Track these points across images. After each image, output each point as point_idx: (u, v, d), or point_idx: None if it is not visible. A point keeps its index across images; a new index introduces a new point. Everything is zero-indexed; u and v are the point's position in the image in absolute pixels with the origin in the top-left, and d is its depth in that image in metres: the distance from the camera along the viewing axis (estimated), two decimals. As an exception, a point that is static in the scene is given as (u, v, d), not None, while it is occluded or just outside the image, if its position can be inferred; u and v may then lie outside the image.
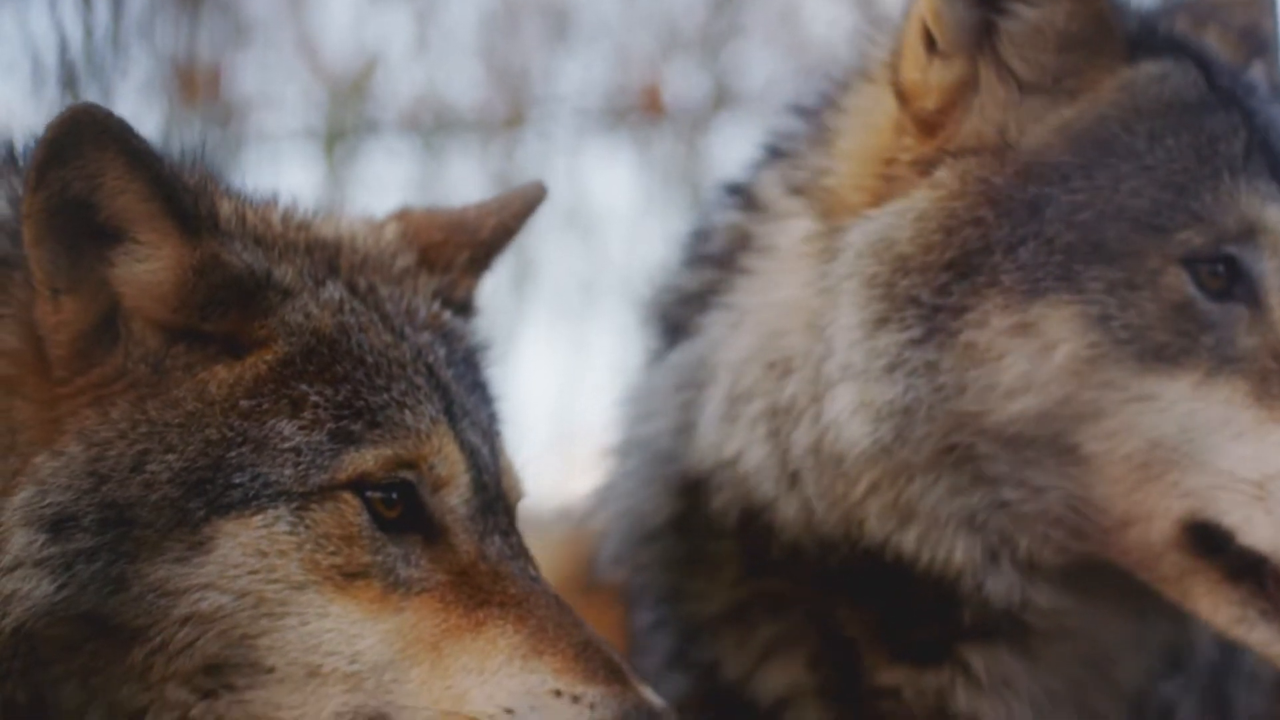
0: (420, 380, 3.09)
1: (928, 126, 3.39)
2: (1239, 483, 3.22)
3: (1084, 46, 3.35)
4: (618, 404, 3.85)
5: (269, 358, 3.01)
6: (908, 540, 3.33)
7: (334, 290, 3.13)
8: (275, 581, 2.92)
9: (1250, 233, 3.29)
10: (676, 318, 3.72)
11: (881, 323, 3.29)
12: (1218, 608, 3.30)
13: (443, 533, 3.02)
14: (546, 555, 4.44)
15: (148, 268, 2.99)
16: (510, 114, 10.53)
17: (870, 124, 3.46)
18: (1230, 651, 3.68)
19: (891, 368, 3.27)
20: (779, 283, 3.49)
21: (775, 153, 3.67)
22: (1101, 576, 3.40)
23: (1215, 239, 3.28)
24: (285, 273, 3.09)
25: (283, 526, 2.93)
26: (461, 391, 3.17)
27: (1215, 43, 3.57)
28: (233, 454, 2.94)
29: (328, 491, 2.95)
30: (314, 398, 2.99)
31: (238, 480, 2.93)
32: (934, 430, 3.27)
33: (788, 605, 3.55)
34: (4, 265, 2.99)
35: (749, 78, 10.65)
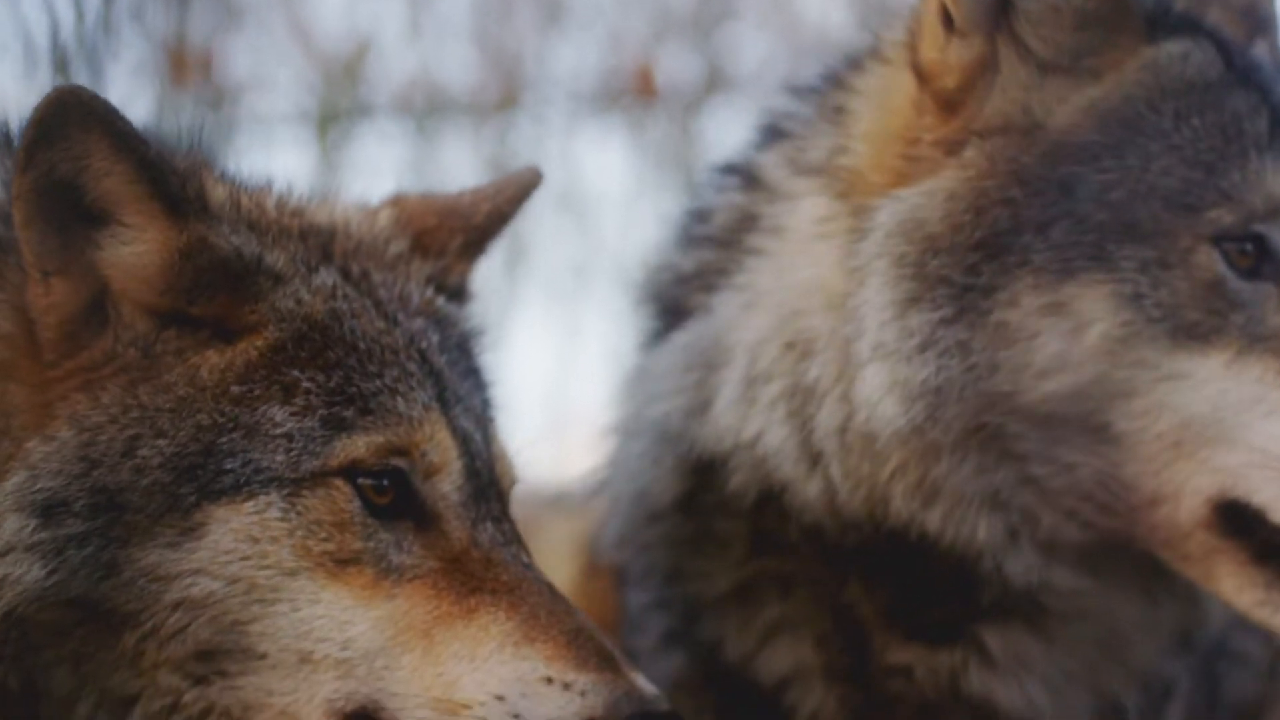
0: (413, 367, 3.09)
1: (949, 105, 3.39)
2: (1270, 460, 3.23)
3: (1102, 25, 3.36)
4: (619, 385, 3.85)
5: (260, 343, 3.01)
6: (932, 519, 3.34)
7: (327, 276, 3.12)
8: (267, 568, 2.92)
9: (1277, 211, 3.30)
10: (674, 298, 3.72)
11: (912, 302, 3.29)
12: (1242, 590, 3.31)
13: (435, 520, 3.02)
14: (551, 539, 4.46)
15: (133, 250, 2.99)
16: (503, 97, 10.52)
17: (888, 105, 3.46)
18: (1223, 632, 3.70)
19: (923, 347, 3.27)
20: (794, 264, 3.48)
21: (776, 133, 3.67)
22: (1118, 559, 3.41)
23: (1245, 218, 3.29)
24: (277, 258, 3.09)
25: (274, 513, 2.93)
26: (454, 378, 3.17)
27: (1219, 22, 3.58)
28: (224, 440, 2.94)
29: (319, 478, 2.95)
30: (306, 384, 2.99)
31: (229, 466, 2.93)
32: (965, 410, 3.28)
33: (795, 585, 3.56)
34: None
35: (742, 60, 10.64)
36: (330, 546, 2.93)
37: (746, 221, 3.62)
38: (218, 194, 3.11)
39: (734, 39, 10.60)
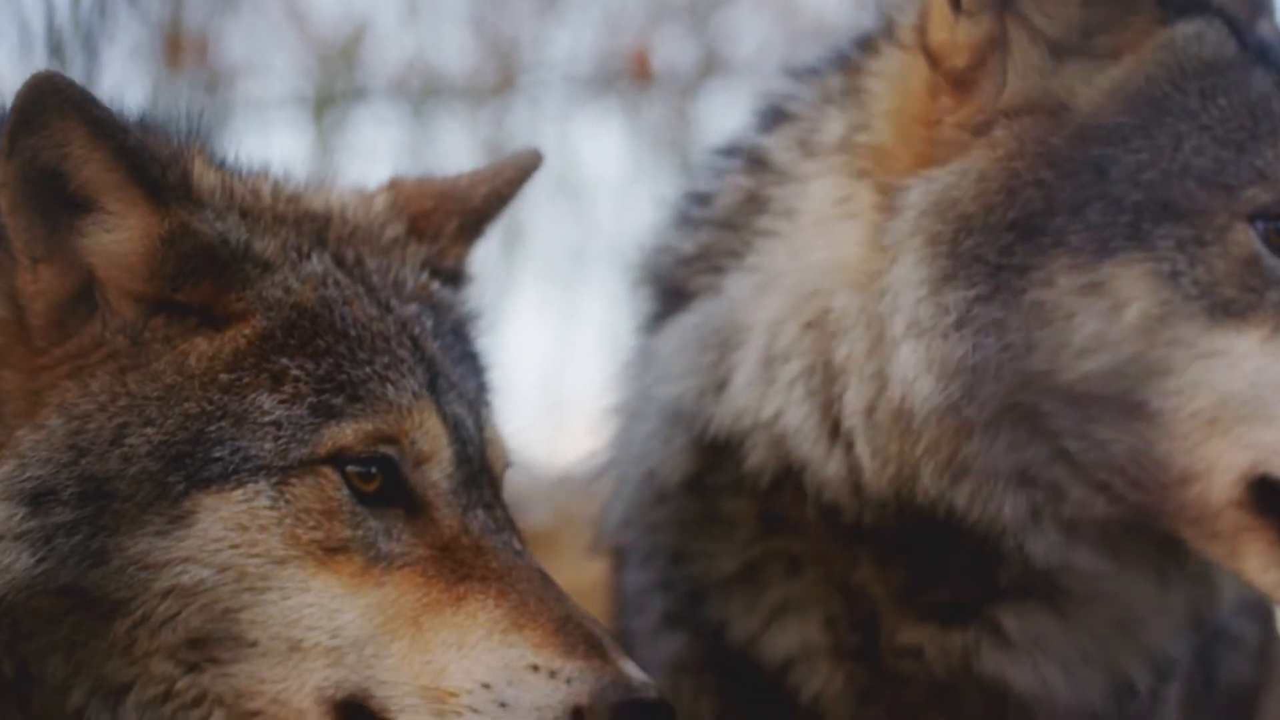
0: (404, 353, 3.08)
1: (963, 85, 3.39)
2: None
3: (1110, 3, 3.37)
4: (621, 366, 3.84)
5: (249, 331, 3.00)
6: (960, 496, 3.33)
7: (318, 263, 3.11)
8: (256, 556, 2.91)
9: None
10: (675, 280, 3.71)
11: (947, 279, 3.29)
12: (1267, 569, 3.30)
13: (424, 507, 3.01)
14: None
15: (115, 237, 2.98)
16: (500, 80, 10.51)
17: (905, 88, 3.45)
18: (1219, 615, 3.71)
19: (959, 324, 3.27)
20: (810, 244, 3.47)
21: (780, 116, 3.66)
22: (1135, 540, 3.40)
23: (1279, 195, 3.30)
24: (267, 245, 3.08)
25: (263, 501, 2.92)
26: (448, 363, 3.16)
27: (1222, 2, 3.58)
28: (212, 428, 2.93)
29: (308, 466, 2.94)
30: (295, 371, 2.98)
31: (217, 454, 2.92)
32: (1001, 388, 3.27)
33: (804, 565, 3.55)
34: None
35: (738, 44, 10.63)
36: (319, 535, 2.92)
37: (754, 204, 3.61)
38: (207, 180, 3.09)
39: (730, 22, 10.60)
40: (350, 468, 2.97)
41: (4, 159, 2.90)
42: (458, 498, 3.03)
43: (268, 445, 2.93)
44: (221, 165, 3.22)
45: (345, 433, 2.96)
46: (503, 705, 2.86)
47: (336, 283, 3.10)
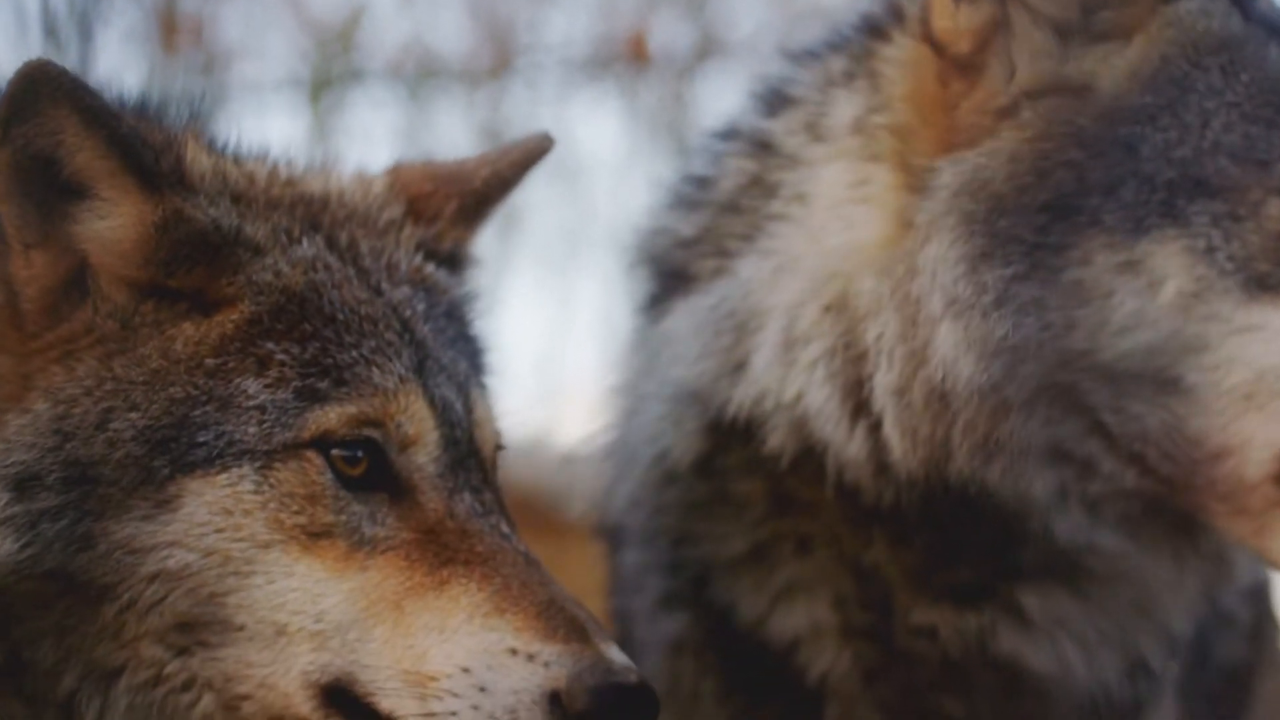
0: (392, 336, 3.07)
1: (970, 69, 3.40)
2: None
3: None
4: (624, 347, 3.85)
5: (236, 316, 3.00)
6: (992, 474, 3.33)
7: (309, 247, 3.11)
8: (241, 540, 2.91)
9: None
10: (675, 262, 3.71)
11: (984, 258, 3.29)
12: None
13: (410, 491, 3.00)
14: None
15: (109, 224, 2.99)
16: (496, 63, 10.51)
17: (919, 74, 3.45)
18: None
19: (999, 303, 3.27)
20: (827, 228, 3.47)
21: (783, 100, 3.66)
22: (1154, 520, 3.42)
23: None
24: (258, 230, 3.08)
25: (247, 485, 2.92)
26: (439, 345, 3.15)
27: None
28: (198, 412, 2.93)
29: (292, 450, 2.94)
30: (280, 356, 2.97)
31: (202, 439, 2.92)
32: (1041, 368, 3.28)
33: (815, 546, 3.56)
34: None
35: (735, 26, 10.63)
36: (302, 519, 2.92)
37: (760, 188, 3.62)
38: (200, 165, 3.09)
39: (727, 5, 10.60)
40: (335, 452, 2.96)
41: None
42: (444, 481, 3.02)
43: (252, 429, 2.93)
44: (218, 149, 3.22)
45: (329, 416, 2.96)
46: (482, 689, 2.85)
47: (326, 266, 3.10)
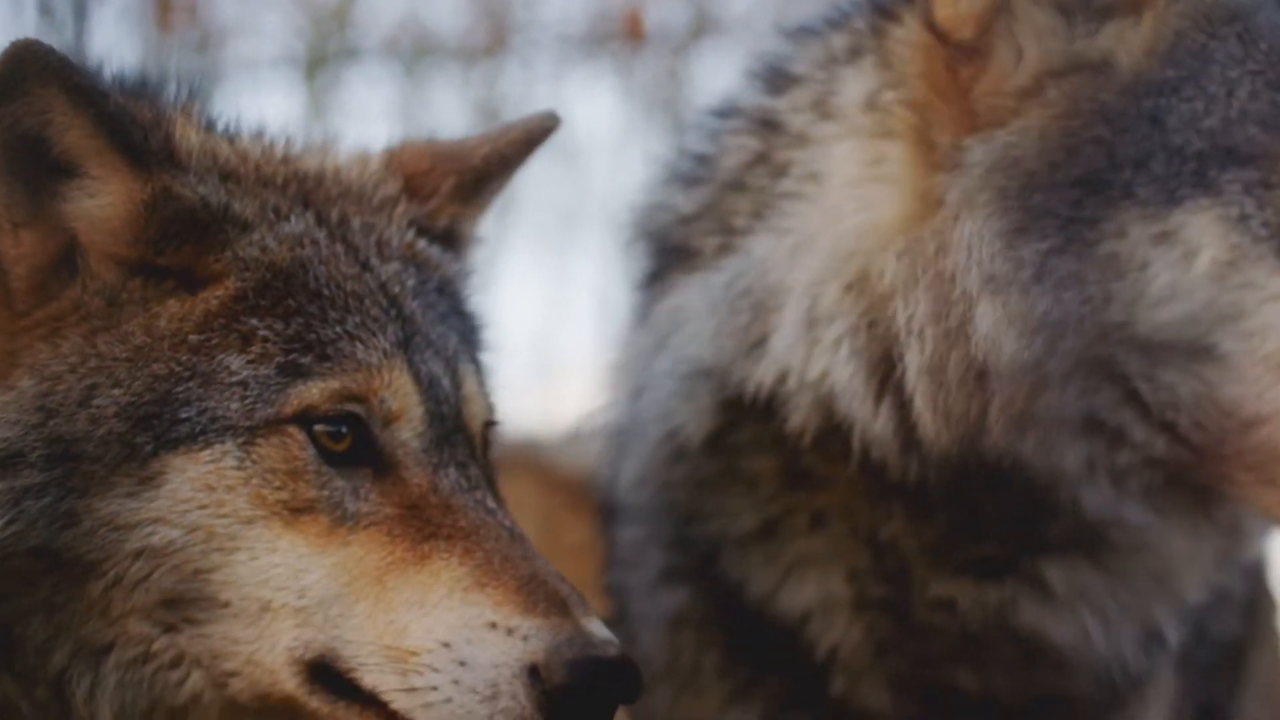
0: (377, 312, 3.06)
1: (976, 53, 3.39)
2: None
3: None
4: (626, 323, 3.85)
5: (221, 293, 3.00)
6: (1026, 447, 3.33)
7: (298, 223, 3.10)
8: (224, 516, 2.90)
9: None
10: (674, 238, 3.71)
11: (1021, 232, 3.28)
12: None
13: (394, 466, 2.99)
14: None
15: (98, 202, 2.99)
16: (492, 41, 10.50)
17: (929, 58, 3.45)
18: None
19: (1038, 278, 3.27)
20: (844, 208, 3.47)
21: (786, 78, 3.66)
22: (1176, 493, 3.43)
23: None
24: (246, 206, 3.07)
25: (230, 461, 2.91)
26: (427, 321, 3.14)
27: None
28: (180, 389, 2.92)
29: (273, 425, 2.93)
30: (263, 332, 2.97)
31: (185, 415, 2.91)
32: (1081, 342, 3.28)
33: (830, 520, 3.56)
34: None
35: (730, 4, 10.62)
36: (284, 495, 2.91)
37: (767, 165, 3.61)
38: (189, 142, 3.09)
39: (722, -18, 10.58)
40: (318, 427, 2.96)
41: None
42: (429, 456, 3.01)
43: (234, 405, 2.93)
44: (210, 127, 3.22)
45: (311, 392, 2.95)
46: (462, 664, 2.84)
47: (314, 242, 3.09)
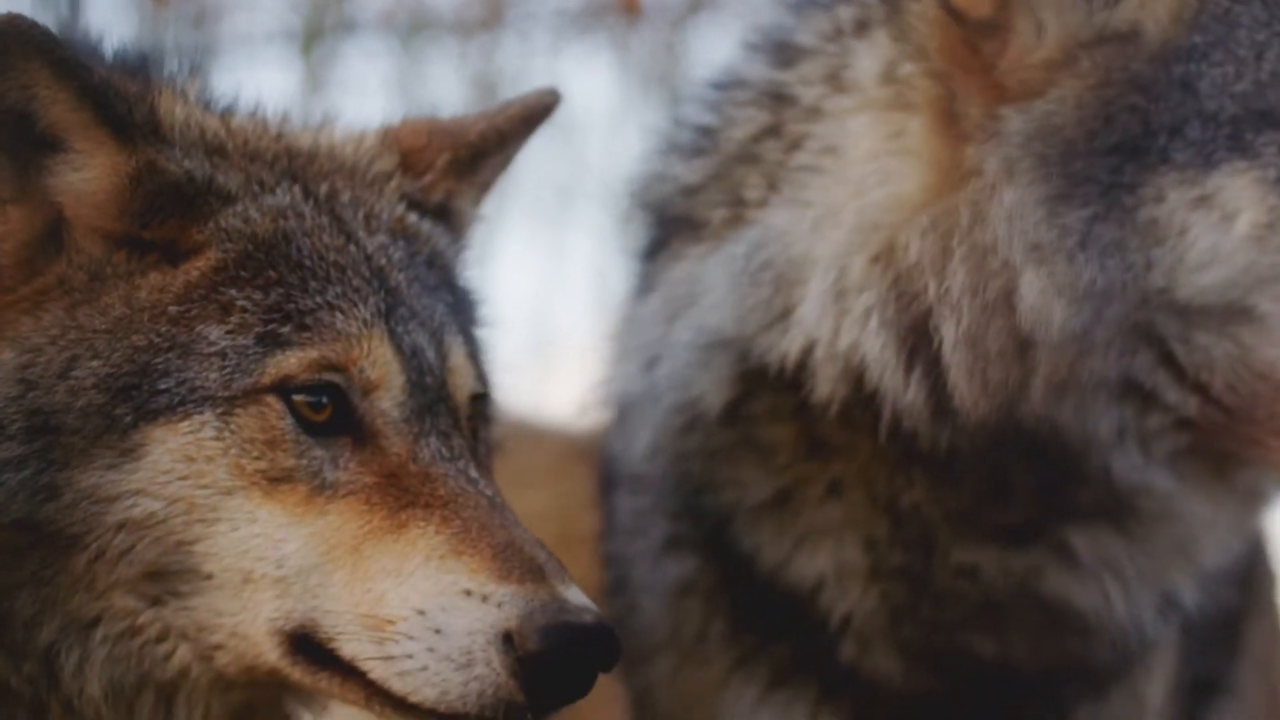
0: (359, 282, 3.06)
1: (996, 29, 3.39)
2: None
3: None
4: (628, 292, 3.85)
5: (202, 264, 3.00)
6: (1064, 412, 3.34)
7: (283, 196, 3.10)
8: (204, 487, 2.90)
9: None
10: (677, 208, 3.72)
11: (1063, 199, 3.29)
12: None
13: (373, 436, 2.98)
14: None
15: (83, 176, 2.99)
16: (488, 15, 10.48)
17: (948, 34, 3.44)
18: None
19: (1083, 245, 3.27)
20: (867, 181, 3.47)
21: (793, 49, 3.65)
22: (1198, 460, 3.45)
23: None
24: (230, 179, 3.07)
25: (209, 432, 2.91)
26: (413, 293, 3.13)
27: None
28: (159, 360, 2.92)
29: (252, 395, 2.93)
30: (242, 302, 2.97)
31: (163, 386, 2.91)
32: (1125, 309, 3.30)
33: (847, 489, 3.57)
34: None
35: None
36: (262, 465, 2.91)
37: (779, 138, 3.61)
38: (175, 116, 3.09)
39: (719, -45, 10.55)
40: (298, 397, 2.95)
41: None
42: (409, 426, 3.00)
43: (213, 376, 2.92)
44: (209, 103, 3.22)
45: (289, 361, 2.94)
46: (437, 631, 2.84)
47: (298, 214, 3.09)
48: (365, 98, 10.23)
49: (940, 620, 3.57)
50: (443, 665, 2.84)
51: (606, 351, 3.92)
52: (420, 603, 2.85)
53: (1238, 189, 3.26)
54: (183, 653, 2.97)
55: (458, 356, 3.14)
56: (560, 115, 3.56)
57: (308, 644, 2.91)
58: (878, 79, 3.50)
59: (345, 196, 3.20)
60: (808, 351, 3.48)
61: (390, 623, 2.85)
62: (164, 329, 2.94)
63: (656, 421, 3.69)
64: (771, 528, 3.61)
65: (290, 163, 3.19)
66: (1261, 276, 3.26)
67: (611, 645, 2.89)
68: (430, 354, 3.08)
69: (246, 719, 3.09)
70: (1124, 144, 3.29)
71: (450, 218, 3.40)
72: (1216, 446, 3.41)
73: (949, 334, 3.35)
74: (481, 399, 3.21)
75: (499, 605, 2.84)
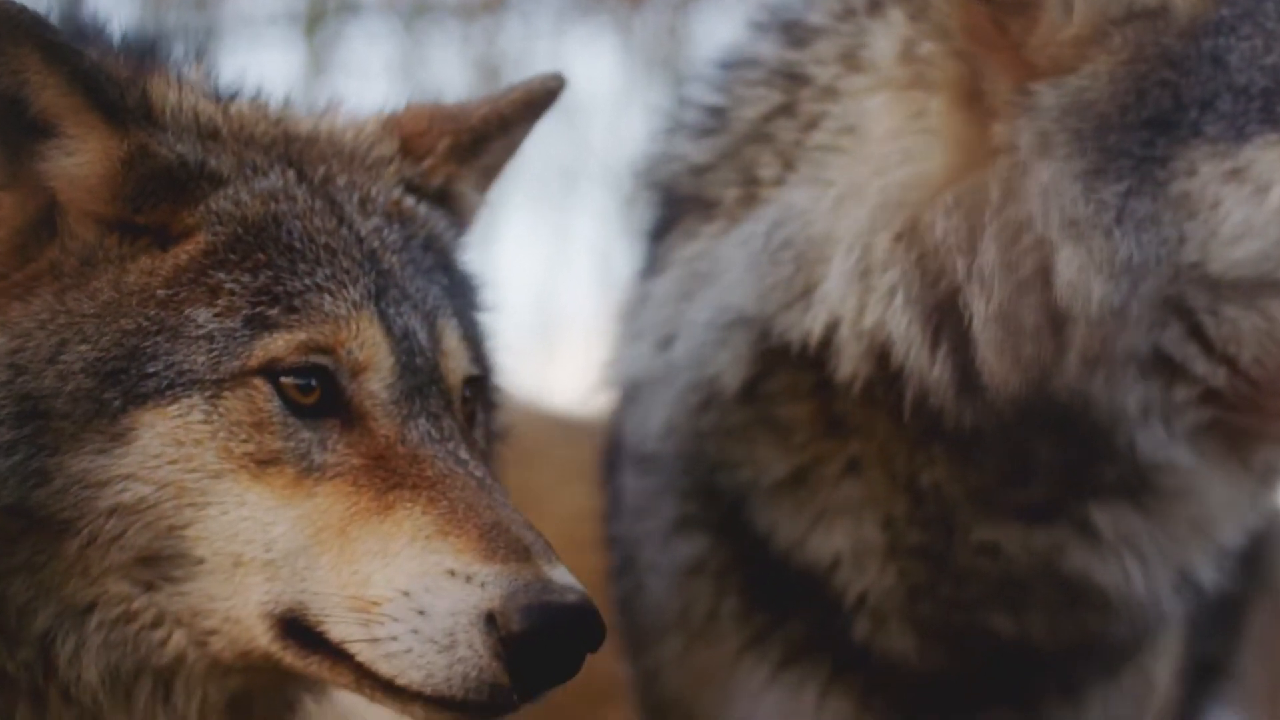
0: (350, 265, 3.05)
1: (1022, 7, 3.39)
2: None
3: None
4: (636, 271, 3.86)
5: (191, 248, 2.99)
6: (1096, 386, 3.35)
7: (275, 179, 3.10)
8: (194, 471, 2.90)
9: None
10: (687, 188, 3.72)
11: (1099, 173, 3.29)
12: None
13: (361, 417, 2.98)
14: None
15: (76, 161, 2.99)
16: (491, -2, 10.46)
17: (973, 12, 3.43)
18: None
19: (1119, 220, 3.28)
20: (889, 160, 3.47)
21: (805, 29, 3.66)
22: (1217, 438, 3.46)
23: None
24: (222, 163, 3.07)
25: (197, 415, 2.91)
26: (407, 275, 3.12)
27: None
28: (148, 343, 2.92)
29: (239, 378, 2.92)
30: (230, 285, 2.96)
31: (152, 370, 2.91)
32: (1160, 283, 3.31)
33: (865, 467, 3.58)
34: None
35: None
36: (250, 447, 2.91)
37: (794, 118, 3.62)
38: (167, 100, 3.08)
39: (722, -63, 10.52)
40: (285, 379, 2.95)
41: None
42: (399, 408, 3.00)
43: (201, 359, 2.92)
44: (207, 86, 3.21)
45: (276, 344, 2.94)
46: (421, 613, 2.83)
47: (290, 197, 3.08)
48: (368, 80, 10.21)
49: (959, 598, 3.58)
50: (426, 647, 2.83)
51: (614, 332, 3.92)
52: (405, 584, 2.84)
53: (1270, 161, 3.27)
54: (178, 638, 2.96)
55: (451, 339, 3.13)
56: (563, 98, 3.55)
57: (298, 628, 2.91)
58: (895, 58, 3.50)
59: (341, 180, 3.19)
60: (831, 329, 3.48)
61: (376, 604, 2.85)
62: (152, 312, 2.93)
63: (671, 400, 3.69)
64: (788, 506, 3.62)
65: (286, 147, 3.18)
66: None
67: (596, 625, 2.87)
68: (422, 336, 3.07)
69: (245, 705, 3.09)
70: (1156, 118, 3.30)
71: (451, 202, 3.39)
72: (1238, 423, 3.42)
73: (979, 310, 3.35)
74: (479, 382, 3.20)
75: (482, 585, 2.83)
